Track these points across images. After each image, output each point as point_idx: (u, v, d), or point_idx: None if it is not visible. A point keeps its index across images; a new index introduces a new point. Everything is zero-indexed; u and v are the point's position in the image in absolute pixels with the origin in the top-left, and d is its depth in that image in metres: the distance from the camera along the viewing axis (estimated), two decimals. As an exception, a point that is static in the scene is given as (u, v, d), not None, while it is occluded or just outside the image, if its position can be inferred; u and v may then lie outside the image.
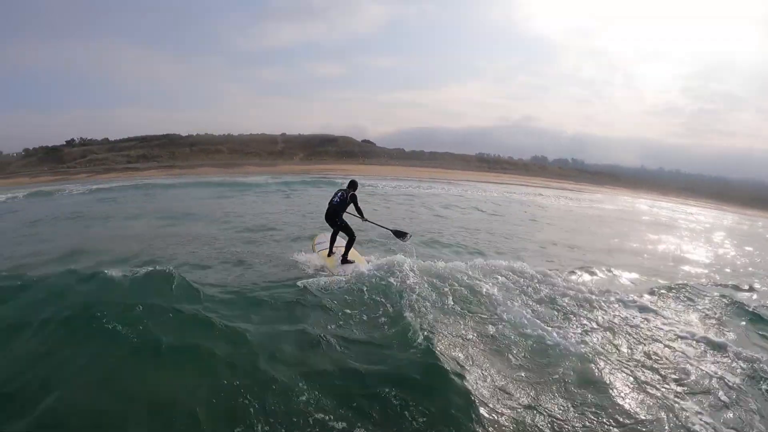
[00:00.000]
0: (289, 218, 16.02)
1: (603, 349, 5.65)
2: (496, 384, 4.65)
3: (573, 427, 4.13)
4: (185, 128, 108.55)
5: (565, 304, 7.05)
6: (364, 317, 5.87)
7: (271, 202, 22.45)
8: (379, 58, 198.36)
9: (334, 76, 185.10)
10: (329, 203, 7.81)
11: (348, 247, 7.69)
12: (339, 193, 7.94)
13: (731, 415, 4.56)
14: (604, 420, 4.26)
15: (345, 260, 7.59)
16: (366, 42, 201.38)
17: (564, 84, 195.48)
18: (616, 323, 6.51)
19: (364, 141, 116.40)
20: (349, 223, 7.85)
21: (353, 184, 8.11)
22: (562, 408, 4.38)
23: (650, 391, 4.83)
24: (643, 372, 5.21)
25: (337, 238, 8.15)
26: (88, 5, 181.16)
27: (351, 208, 7.92)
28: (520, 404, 4.36)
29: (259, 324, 5.52)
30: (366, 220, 8.02)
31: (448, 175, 68.81)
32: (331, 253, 7.95)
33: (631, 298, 7.56)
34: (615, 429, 4.17)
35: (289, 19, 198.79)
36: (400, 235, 8.21)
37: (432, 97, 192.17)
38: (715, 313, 7.60)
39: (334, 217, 7.72)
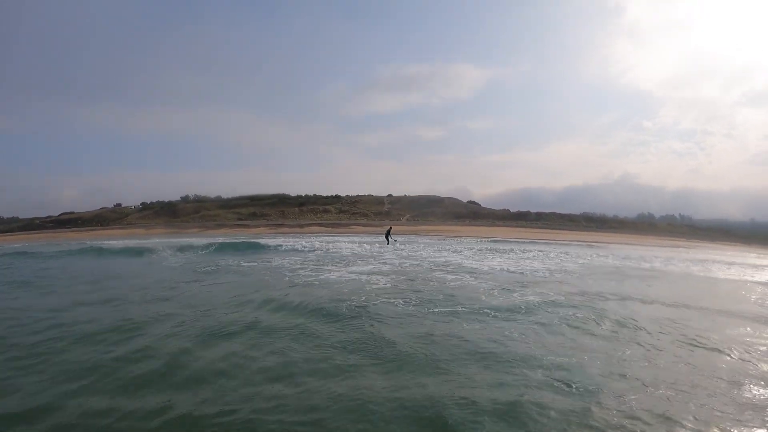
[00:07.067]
0: None
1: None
2: None
3: None
4: (295, 189, 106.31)
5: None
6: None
7: None
8: (479, 121, 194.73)
9: (435, 139, 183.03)
10: (385, 233, 32.13)
11: (389, 239, 30.22)
12: (387, 230, 33.39)
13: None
14: None
15: (389, 241, 29.84)
16: (465, 105, 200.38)
17: (664, 138, 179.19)
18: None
19: (470, 202, 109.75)
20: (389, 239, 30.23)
21: (390, 229, 34.08)
22: None
23: None
24: None
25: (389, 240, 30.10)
26: (209, 79, 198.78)
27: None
28: None
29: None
30: (389, 237, 30.43)
31: (571, 237, 57.07)
32: (391, 243, 29.34)
33: None
34: None
35: (392, 88, 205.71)
36: (388, 235, 30.92)
37: (532, 157, 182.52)
38: None
39: (386, 236, 30.64)
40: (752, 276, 17.62)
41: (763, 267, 23.67)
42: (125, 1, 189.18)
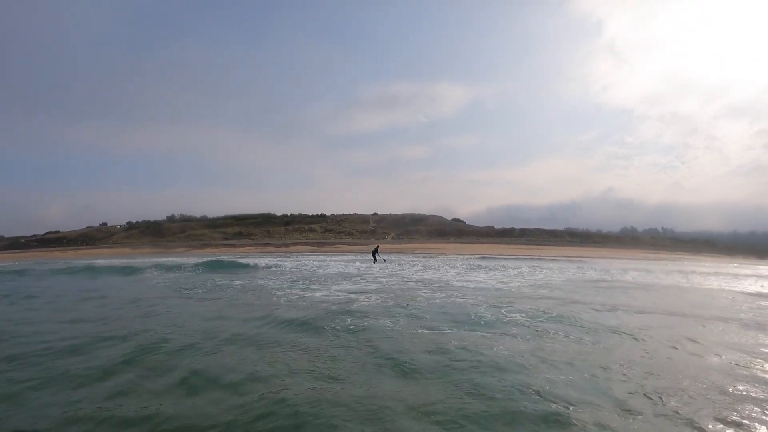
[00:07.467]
0: None
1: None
2: None
3: None
4: (280, 208, 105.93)
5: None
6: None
7: None
8: (462, 138, 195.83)
9: (419, 157, 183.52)
10: (372, 251, 33.70)
11: (376, 257, 32.47)
12: (374, 248, 34.12)
13: None
14: None
15: (376, 259, 31.99)
16: (449, 123, 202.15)
17: (645, 152, 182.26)
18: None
19: (454, 219, 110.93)
20: (376, 257, 32.40)
21: (377, 247, 34.50)
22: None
23: None
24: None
25: (376, 258, 32.23)
26: (194, 98, 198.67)
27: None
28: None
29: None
30: (376, 255, 32.45)
31: (555, 252, 59.77)
32: (377, 261, 31.33)
33: None
34: None
35: (376, 107, 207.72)
36: (375, 253, 32.88)
37: (515, 175, 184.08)
38: None
39: (373, 254, 32.46)
40: (734, 286, 18.27)
41: (744, 276, 24.46)
42: (112, 19, 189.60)
